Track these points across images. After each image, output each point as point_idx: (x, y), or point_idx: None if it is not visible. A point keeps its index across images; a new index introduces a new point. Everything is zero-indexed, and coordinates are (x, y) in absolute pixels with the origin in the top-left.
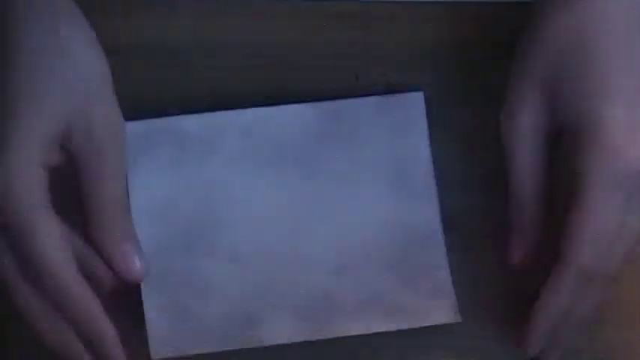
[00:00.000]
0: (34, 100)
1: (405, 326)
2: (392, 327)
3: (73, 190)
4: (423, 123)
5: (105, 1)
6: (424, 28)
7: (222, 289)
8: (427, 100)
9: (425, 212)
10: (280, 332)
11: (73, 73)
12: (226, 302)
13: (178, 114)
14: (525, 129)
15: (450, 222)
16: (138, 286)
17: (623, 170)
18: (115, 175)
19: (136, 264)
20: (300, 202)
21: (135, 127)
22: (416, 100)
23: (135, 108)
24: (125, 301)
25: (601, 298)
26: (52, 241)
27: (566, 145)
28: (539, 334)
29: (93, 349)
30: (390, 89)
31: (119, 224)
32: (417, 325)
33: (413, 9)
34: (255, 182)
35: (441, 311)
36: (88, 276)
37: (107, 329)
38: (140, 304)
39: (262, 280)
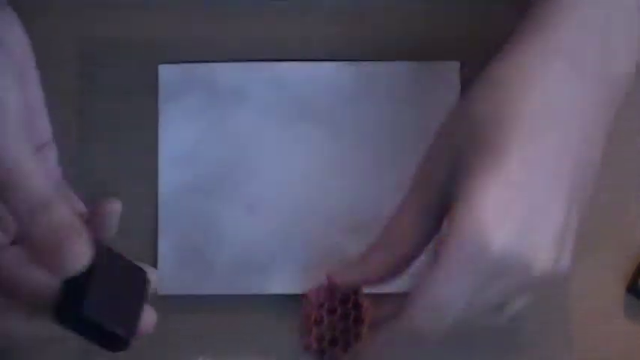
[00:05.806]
0: None
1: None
2: (399, 288)
3: None
4: (455, 92)
5: None
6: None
7: (236, 236)
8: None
9: None
10: (287, 283)
11: None
12: (238, 249)
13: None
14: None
15: None
16: (155, 223)
17: (479, 252)
18: None
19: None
20: (323, 159)
21: (167, 70)
22: (451, 69)
23: None
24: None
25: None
26: None
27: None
28: None
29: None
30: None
31: None
32: None
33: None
34: (281, 135)
35: None
36: None
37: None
38: (155, 241)
39: (276, 231)
